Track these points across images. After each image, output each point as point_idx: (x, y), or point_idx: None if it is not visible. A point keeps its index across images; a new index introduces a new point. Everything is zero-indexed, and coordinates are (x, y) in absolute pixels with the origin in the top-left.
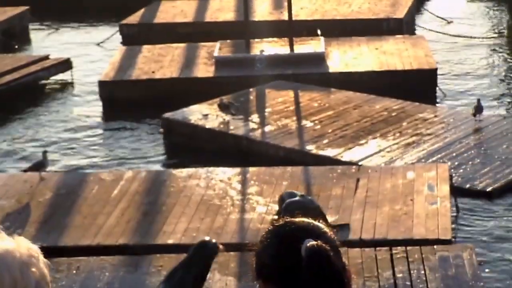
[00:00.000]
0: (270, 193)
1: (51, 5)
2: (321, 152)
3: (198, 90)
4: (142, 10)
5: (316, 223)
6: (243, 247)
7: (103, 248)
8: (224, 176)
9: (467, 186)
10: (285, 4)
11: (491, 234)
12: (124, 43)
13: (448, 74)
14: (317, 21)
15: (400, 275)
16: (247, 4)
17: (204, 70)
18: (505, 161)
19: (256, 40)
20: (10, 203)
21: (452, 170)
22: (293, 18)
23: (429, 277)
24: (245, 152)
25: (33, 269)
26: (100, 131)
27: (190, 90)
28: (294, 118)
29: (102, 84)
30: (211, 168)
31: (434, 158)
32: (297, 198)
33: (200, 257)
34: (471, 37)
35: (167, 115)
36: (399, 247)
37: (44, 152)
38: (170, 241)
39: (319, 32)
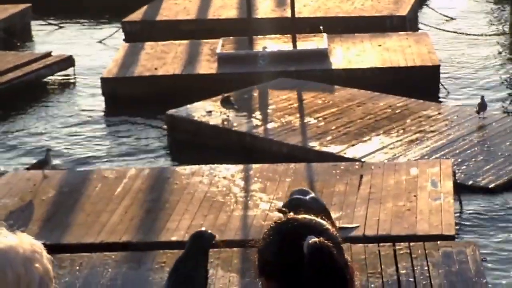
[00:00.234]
0: (274, 190)
1: (53, 3)
2: (324, 149)
3: (201, 87)
4: (145, 7)
5: (318, 220)
6: (246, 244)
7: (107, 245)
8: (227, 173)
9: (470, 182)
10: (288, 1)
11: (494, 230)
12: (126, 40)
13: (451, 72)
14: (320, 18)
15: (404, 271)
16: (250, 2)
17: (206, 66)
18: (508, 158)
19: (259, 37)
20: (13, 201)
21: (455, 167)
22: (296, 15)
23: (433, 273)
24: (249, 149)
25: (37, 265)
26: (103, 128)
27: (192, 86)
28: (298, 115)
29: (104, 80)
30: (214, 165)
31: (437, 155)
32: (307, 197)
33: (197, 248)
34: (474, 35)
35: (171, 111)
36: (402, 243)
37: (47, 150)
38: (173, 238)
39: (322, 29)
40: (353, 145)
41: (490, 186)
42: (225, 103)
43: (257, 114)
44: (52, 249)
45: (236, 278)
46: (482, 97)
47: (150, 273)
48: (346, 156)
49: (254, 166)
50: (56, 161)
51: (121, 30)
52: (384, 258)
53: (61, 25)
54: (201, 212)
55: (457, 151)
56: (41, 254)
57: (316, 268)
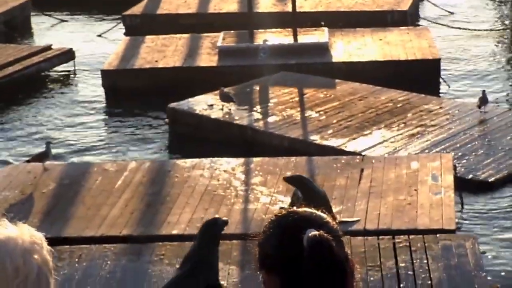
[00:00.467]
0: (274, 184)
1: None
2: (325, 143)
3: (201, 80)
4: (145, 1)
5: (319, 213)
6: (247, 237)
7: (107, 239)
8: (228, 167)
9: (470, 176)
10: None
11: (493, 224)
12: (126, 34)
13: (452, 66)
14: (321, 13)
15: (403, 264)
16: None
17: (207, 59)
18: (509, 152)
19: (260, 30)
20: (13, 194)
21: (456, 161)
22: (297, 10)
23: (432, 267)
24: (250, 142)
25: (36, 256)
26: (103, 121)
27: (193, 79)
28: (299, 108)
29: (105, 73)
30: (215, 159)
31: (438, 149)
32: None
33: (210, 236)
34: (475, 30)
35: (173, 105)
36: (402, 236)
37: (48, 143)
38: (174, 232)
39: (323, 24)
40: (354, 139)
41: (490, 180)
42: (223, 96)
43: (259, 107)
44: (52, 242)
45: (235, 271)
46: (484, 92)
47: (149, 265)
48: (347, 149)
49: (255, 159)
50: (56, 154)
51: (121, 23)
52: (383, 251)
53: (61, 18)
54: (202, 206)
55: (458, 145)
56: (41, 246)
57: (316, 261)
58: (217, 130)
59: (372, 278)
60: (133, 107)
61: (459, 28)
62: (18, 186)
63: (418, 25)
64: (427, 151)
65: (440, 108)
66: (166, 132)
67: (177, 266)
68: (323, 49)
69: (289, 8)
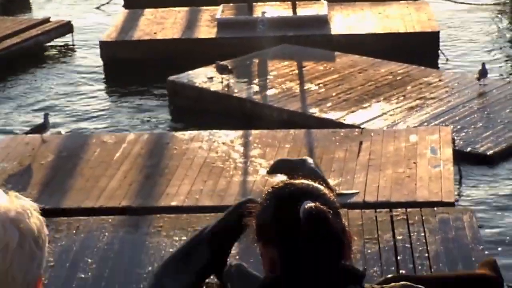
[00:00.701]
0: (273, 156)
1: None
2: (324, 115)
3: (200, 51)
4: None
5: (315, 184)
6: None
7: (106, 210)
8: (226, 139)
9: (468, 149)
10: None
11: (491, 197)
12: (125, 6)
13: (452, 40)
14: None
15: (400, 237)
16: None
17: (206, 31)
18: (508, 125)
19: (259, 3)
20: (11, 166)
21: (455, 134)
22: None
23: (429, 240)
24: (249, 115)
25: (21, 225)
26: (102, 93)
27: (192, 51)
28: (298, 81)
29: (103, 44)
30: (213, 131)
31: (436, 122)
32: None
33: (237, 214)
34: (475, 4)
35: (172, 78)
36: (399, 209)
37: (46, 114)
38: (173, 203)
39: None
40: (353, 112)
41: (488, 153)
42: (220, 69)
43: (258, 80)
44: (51, 213)
45: None
46: (483, 64)
47: (147, 237)
48: (346, 122)
49: (254, 132)
50: (55, 126)
51: None
52: (381, 224)
53: None
54: (201, 178)
55: (457, 117)
56: (28, 215)
57: (312, 233)
58: (217, 102)
59: (369, 251)
60: (132, 79)
61: (456, 1)
62: (16, 157)
63: None
64: (426, 124)
65: (440, 80)
66: (166, 104)
67: (175, 238)
68: (322, 21)
69: None
